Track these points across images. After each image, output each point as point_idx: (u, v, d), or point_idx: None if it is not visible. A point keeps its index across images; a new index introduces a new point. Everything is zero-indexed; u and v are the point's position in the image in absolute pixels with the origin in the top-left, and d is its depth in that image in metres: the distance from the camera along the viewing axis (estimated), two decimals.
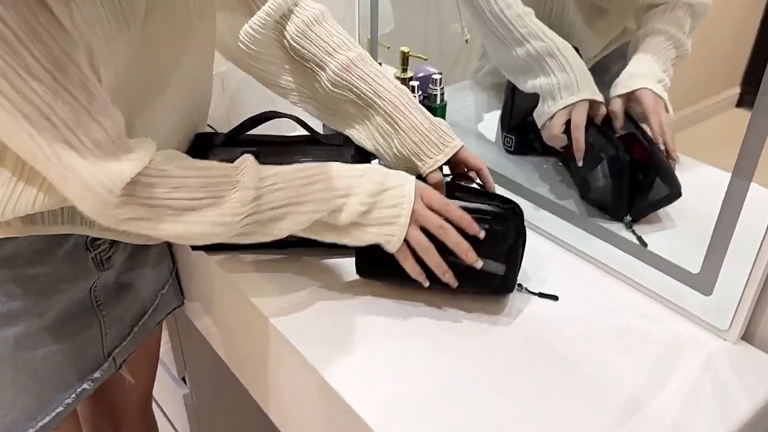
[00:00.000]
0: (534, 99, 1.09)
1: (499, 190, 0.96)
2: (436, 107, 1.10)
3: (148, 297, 1.03)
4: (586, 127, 0.97)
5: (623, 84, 0.95)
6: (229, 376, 1.10)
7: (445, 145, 0.88)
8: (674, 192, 0.94)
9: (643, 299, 0.88)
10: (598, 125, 0.99)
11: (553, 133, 0.97)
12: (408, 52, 1.19)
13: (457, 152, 0.89)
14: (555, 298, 0.88)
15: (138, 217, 0.70)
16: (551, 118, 0.97)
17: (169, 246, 1.08)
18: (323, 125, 1.05)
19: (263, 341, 0.89)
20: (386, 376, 0.77)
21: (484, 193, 0.91)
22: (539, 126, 1.00)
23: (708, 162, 0.90)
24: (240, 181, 0.73)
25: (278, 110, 0.95)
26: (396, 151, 0.89)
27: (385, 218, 0.79)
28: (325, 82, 0.90)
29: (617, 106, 0.95)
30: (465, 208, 0.83)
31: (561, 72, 0.95)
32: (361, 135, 0.93)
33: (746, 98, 0.82)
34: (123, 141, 0.69)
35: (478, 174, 0.92)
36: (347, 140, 0.95)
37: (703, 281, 0.81)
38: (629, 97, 0.94)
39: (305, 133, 0.96)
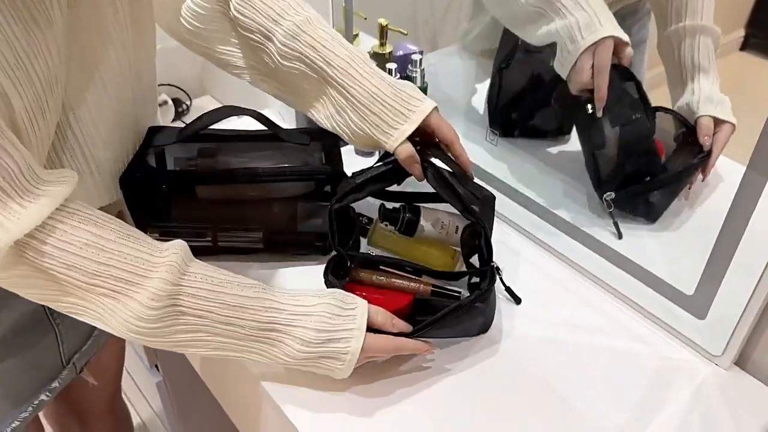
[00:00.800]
0: (523, 80, 1.01)
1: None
2: None
3: None
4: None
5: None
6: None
7: (411, 110, 0.75)
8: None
9: (632, 316, 0.83)
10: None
11: (583, 80, 0.82)
12: (387, 25, 1.08)
13: (428, 117, 0.76)
14: (518, 301, 0.83)
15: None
16: (575, 63, 0.81)
17: None
18: (306, 119, 0.93)
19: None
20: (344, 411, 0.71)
21: (452, 185, 0.79)
22: (564, 77, 0.85)
23: None
24: (157, 272, 0.63)
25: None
26: (355, 127, 0.77)
27: (327, 365, 0.69)
28: (275, 54, 0.78)
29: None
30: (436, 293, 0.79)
31: (578, 10, 0.80)
32: (320, 114, 0.81)
33: (751, 41, 0.76)
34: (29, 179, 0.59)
35: (449, 148, 0.80)
36: (316, 139, 0.86)
37: (697, 304, 0.75)
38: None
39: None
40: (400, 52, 1.03)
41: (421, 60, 0.99)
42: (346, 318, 0.68)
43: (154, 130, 0.86)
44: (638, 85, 0.86)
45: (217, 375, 0.94)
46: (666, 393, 0.73)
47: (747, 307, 0.70)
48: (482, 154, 1.02)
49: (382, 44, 1.10)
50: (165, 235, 0.82)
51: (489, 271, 0.76)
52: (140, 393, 1.44)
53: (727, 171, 0.81)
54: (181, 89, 1.47)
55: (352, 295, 0.71)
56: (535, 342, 0.79)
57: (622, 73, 0.84)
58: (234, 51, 0.84)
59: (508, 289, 0.82)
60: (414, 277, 0.80)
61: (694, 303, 0.75)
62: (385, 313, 0.71)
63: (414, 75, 0.99)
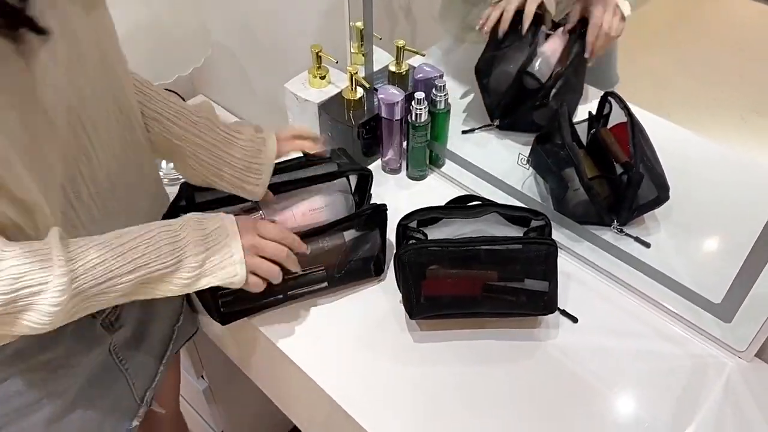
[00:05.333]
0: (505, 77, 1.08)
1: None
2: (438, 112, 1.06)
3: (165, 335, 1.02)
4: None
5: None
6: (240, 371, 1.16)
7: (259, 168, 0.87)
8: (662, 195, 0.97)
9: (664, 319, 0.93)
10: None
11: None
12: (404, 46, 1.12)
13: (279, 147, 0.89)
14: (575, 320, 0.92)
15: None
16: None
17: None
18: None
19: (272, 358, 0.93)
20: (392, 393, 0.81)
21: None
22: None
23: None
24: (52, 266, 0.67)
25: None
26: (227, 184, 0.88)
27: (221, 263, 0.76)
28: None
29: None
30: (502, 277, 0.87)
31: None
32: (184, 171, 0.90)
33: None
34: None
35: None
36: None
37: (724, 311, 0.85)
38: None
39: None
40: (420, 76, 1.08)
41: (444, 85, 1.04)
42: (213, 218, 0.77)
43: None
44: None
45: (269, 377, 1.02)
46: (701, 389, 0.84)
47: None
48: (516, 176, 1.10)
49: (398, 63, 1.15)
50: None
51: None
52: (188, 403, 1.52)
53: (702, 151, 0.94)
54: (173, 91, 1.48)
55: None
56: (576, 348, 0.89)
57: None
58: None
59: (563, 312, 0.91)
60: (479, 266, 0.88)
61: (722, 310, 0.85)
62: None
63: (438, 99, 1.05)
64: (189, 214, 0.78)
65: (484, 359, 0.87)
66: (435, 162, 1.14)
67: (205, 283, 0.76)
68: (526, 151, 1.10)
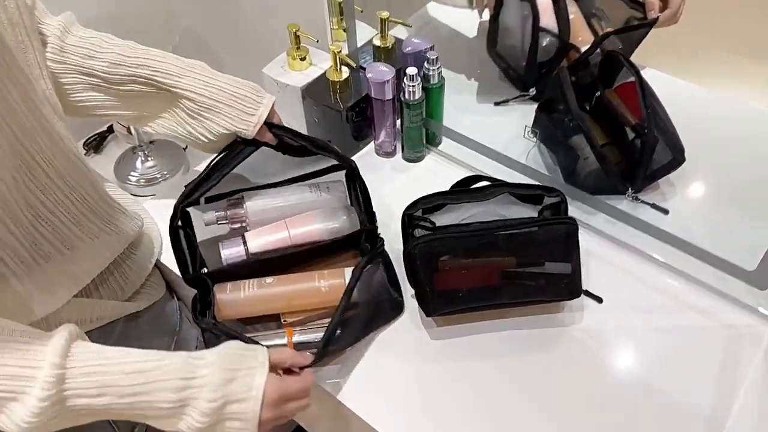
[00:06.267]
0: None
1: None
2: (432, 87, 0.98)
3: None
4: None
5: None
6: None
7: (262, 96, 0.84)
8: (678, 156, 0.91)
9: (691, 290, 0.87)
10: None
11: None
12: (388, 18, 1.04)
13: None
14: (599, 300, 0.86)
15: None
16: None
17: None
18: None
19: None
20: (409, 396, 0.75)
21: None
22: None
23: None
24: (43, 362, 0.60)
25: None
26: (213, 124, 0.83)
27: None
28: (105, 84, 0.83)
29: None
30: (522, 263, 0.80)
31: None
32: (170, 122, 0.87)
33: None
34: None
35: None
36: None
37: (759, 278, 0.80)
38: None
39: None
40: (409, 49, 1.00)
41: (437, 58, 0.96)
42: (247, 357, 0.68)
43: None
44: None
45: None
46: (739, 361, 0.79)
47: None
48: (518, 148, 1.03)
49: (383, 37, 1.07)
50: None
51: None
52: None
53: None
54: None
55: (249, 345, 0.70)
56: (603, 330, 0.83)
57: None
58: (83, 97, 0.84)
59: (586, 292, 0.85)
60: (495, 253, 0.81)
61: (756, 277, 0.80)
62: (286, 350, 0.73)
63: (431, 73, 0.97)
64: (219, 357, 0.66)
65: (508, 351, 0.81)
66: (431, 141, 1.06)
67: None
68: (526, 121, 1.04)
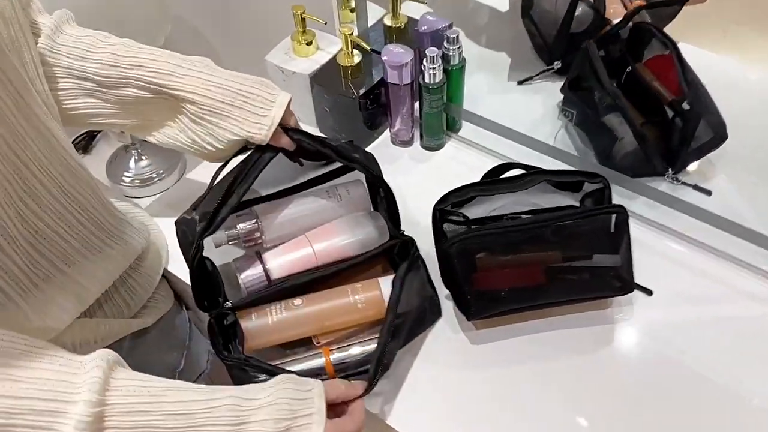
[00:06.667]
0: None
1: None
2: (452, 69, 0.91)
3: None
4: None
5: None
6: None
7: (275, 94, 0.73)
8: (721, 133, 0.85)
9: (744, 276, 0.81)
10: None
11: None
12: None
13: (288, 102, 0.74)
14: (649, 292, 0.80)
15: None
16: None
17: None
18: None
19: None
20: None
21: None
22: None
23: None
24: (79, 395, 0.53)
25: None
26: (220, 130, 0.73)
27: None
28: (99, 89, 0.74)
29: None
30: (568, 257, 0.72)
31: None
32: (172, 130, 0.77)
33: None
34: None
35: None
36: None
37: None
38: None
39: None
40: (425, 28, 0.92)
41: (457, 36, 0.88)
42: (303, 402, 0.60)
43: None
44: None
45: None
46: None
47: None
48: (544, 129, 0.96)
49: (395, 16, 0.99)
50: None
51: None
52: None
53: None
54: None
55: (304, 379, 0.63)
56: (655, 324, 0.77)
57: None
58: (77, 104, 0.76)
59: (637, 285, 0.79)
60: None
61: None
62: (338, 384, 0.65)
63: (451, 53, 0.89)
64: (273, 398, 0.59)
65: (557, 353, 0.75)
66: (451, 127, 0.99)
67: None
68: (551, 101, 0.97)
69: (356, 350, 0.70)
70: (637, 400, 0.71)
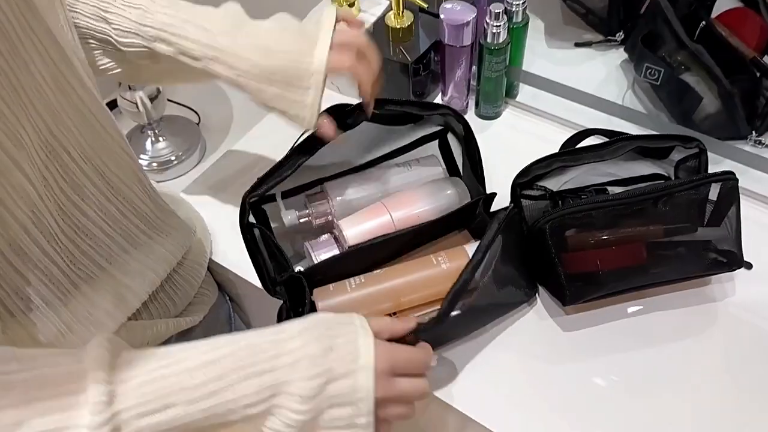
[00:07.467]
0: None
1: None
2: (515, 27, 0.82)
3: None
4: None
5: None
6: None
7: (321, 18, 0.64)
8: None
9: None
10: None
11: None
12: None
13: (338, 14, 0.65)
14: (749, 266, 0.73)
15: None
16: None
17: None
18: None
19: None
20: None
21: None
22: None
23: None
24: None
25: None
26: (267, 63, 0.62)
27: (340, 420, 0.50)
28: (127, 58, 0.65)
29: None
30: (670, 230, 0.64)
31: None
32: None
33: None
34: None
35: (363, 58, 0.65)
36: None
37: None
38: None
39: None
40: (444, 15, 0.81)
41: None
42: (342, 323, 0.52)
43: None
44: None
45: None
46: None
47: None
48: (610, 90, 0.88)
49: (398, 15, 0.87)
50: None
51: None
52: None
53: None
54: None
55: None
56: (762, 300, 0.70)
57: None
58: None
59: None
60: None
61: None
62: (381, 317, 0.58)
63: (515, 9, 0.80)
64: (307, 335, 0.50)
65: (656, 338, 0.68)
66: (509, 93, 0.90)
67: None
68: (613, 63, 0.90)
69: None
70: (745, 385, 0.64)
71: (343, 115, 0.66)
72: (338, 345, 0.50)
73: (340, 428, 0.50)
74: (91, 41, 0.66)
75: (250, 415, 0.48)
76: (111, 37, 0.64)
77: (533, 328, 0.69)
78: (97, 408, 0.43)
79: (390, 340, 0.54)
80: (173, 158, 1.14)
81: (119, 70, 0.69)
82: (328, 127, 0.65)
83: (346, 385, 0.49)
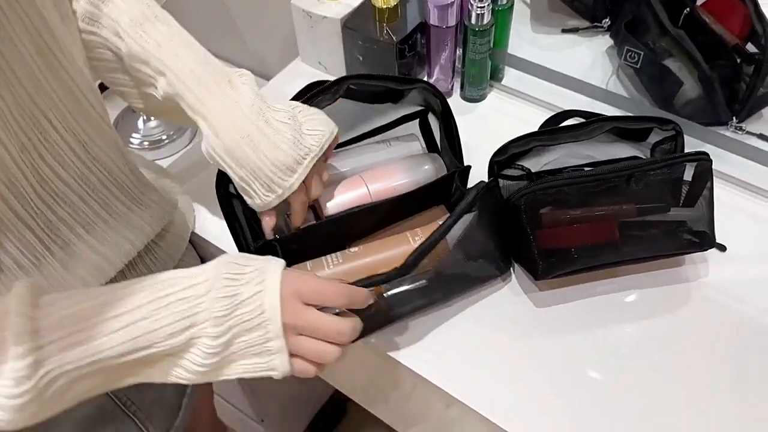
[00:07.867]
0: None
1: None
2: (500, 8, 0.83)
3: None
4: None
5: None
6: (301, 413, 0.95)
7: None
8: None
9: None
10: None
11: None
12: None
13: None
14: (722, 248, 0.74)
15: None
16: None
17: None
18: None
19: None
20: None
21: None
22: None
23: None
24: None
25: None
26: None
27: (252, 347, 0.52)
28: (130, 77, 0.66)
29: None
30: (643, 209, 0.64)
31: None
32: None
33: None
34: None
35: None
36: None
37: None
38: None
39: None
40: None
41: None
42: (250, 274, 0.52)
43: None
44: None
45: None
46: None
47: None
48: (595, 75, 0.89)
49: None
50: None
51: None
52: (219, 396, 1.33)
53: None
54: None
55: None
56: (733, 282, 0.71)
57: None
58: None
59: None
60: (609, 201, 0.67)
61: None
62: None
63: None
64: (220, 266, 0.52)
65: (630, 315, 0.69)
66: (494, 75, 0.91)
67: (228, 374, 0.52)
68: (599, 49, 0.90)
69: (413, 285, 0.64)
70: (717, 365, 0.65)
71: (320, 92, 0.67)
72: (246, 272, 0.52)
73: (254, 356, 0.51)
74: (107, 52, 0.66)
75: (174, 347, 0.49)
76: (122, 54, 0.64)
77: (506, 303, 0.70)
78: (19, 338, 0.45)
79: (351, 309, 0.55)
80: (164, 137, 1.16)
81: (129, 92, 0.70)
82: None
83: (254, 307, 0.51)
